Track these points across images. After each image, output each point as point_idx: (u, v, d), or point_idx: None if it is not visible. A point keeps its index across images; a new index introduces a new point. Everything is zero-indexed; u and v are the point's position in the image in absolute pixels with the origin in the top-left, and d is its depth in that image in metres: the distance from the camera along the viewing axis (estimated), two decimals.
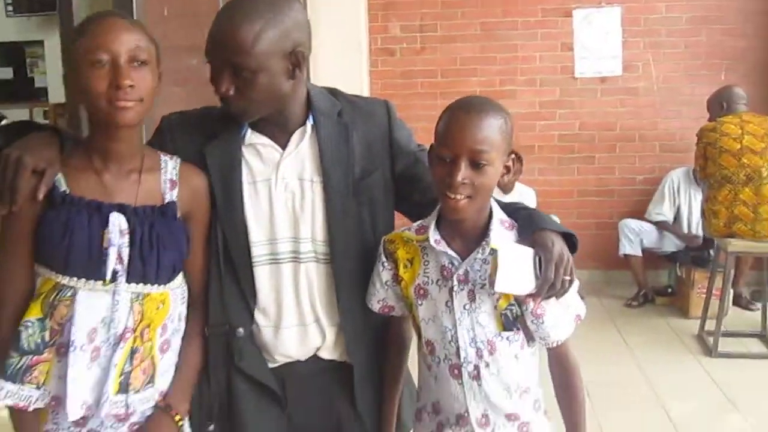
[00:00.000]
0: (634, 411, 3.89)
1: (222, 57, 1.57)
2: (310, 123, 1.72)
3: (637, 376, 4.32)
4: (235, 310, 1.69)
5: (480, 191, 1.53)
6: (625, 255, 5.66)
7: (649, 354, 4.65)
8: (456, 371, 1.62)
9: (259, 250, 1.69)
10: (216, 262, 1.68)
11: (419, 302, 1.64)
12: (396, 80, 6.16)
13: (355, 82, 5.86)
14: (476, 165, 1.51)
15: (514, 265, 1.52)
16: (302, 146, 1.71)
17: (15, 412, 1.51)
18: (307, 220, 1.69)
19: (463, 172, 1.50)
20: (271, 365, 1.74)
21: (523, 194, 5.82)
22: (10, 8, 12.45)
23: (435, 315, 1.63)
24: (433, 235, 1.60)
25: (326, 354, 1.75)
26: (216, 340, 1.69)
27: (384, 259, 1.67)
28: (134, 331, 1.52)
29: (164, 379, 1.61)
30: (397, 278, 1.67)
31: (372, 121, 1.76)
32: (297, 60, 1.64)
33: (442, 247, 1.58)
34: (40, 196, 1.45)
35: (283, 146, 1.70)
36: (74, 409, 1.48)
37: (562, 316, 1.61)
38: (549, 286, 1.53)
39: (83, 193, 1.51)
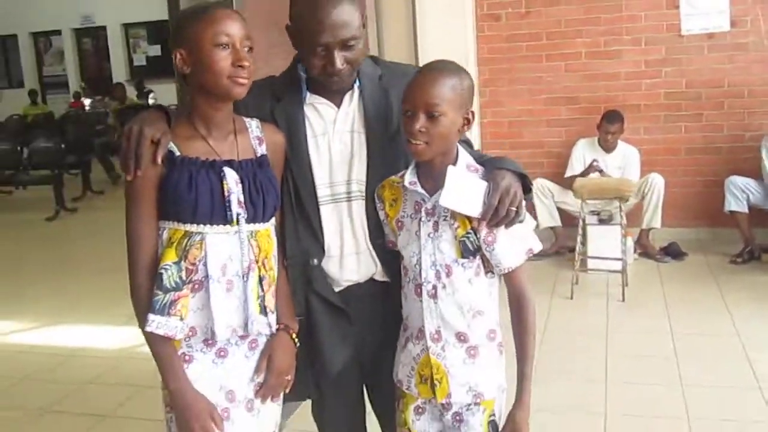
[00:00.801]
0: (719, 362, 4.00)
1: (336, 36, 1.85)
2: (357, 86, 2.02)
3: (728, 329, 4.42)
4: (308, 243, 2.02)
5: (435, 138, 1.81)
6: (731, 212, 5.66)
7: (744, 309, 4.71)
8: (418, 290, 1.90)
9: (322, 191, 2.01)
10: (290, 205, 2.00)
11: (399, 233, 1.94)
12: (501, 44, 6.33)
13: (460, 46, 6.08)
14: (431, 116, 1.79)
15: (462, 186, 1.80)
16: (352, 105, 2.02)
17: (154, 343, 1.78)
18: (355, 164, 2.01)
19: (420, 122, 1.79)
20: (337, 289, 2.07)
21: (627, 153, 5.92)
22: None
23: (407, 242, 1.92)
24: (408, 178, 1.89)
25: (379, 276, 2.08)
26: (294, 269, 2.02)
27: (378, 201, 1.99)
28: (257, 262, 1.84)
29: None
30: (386, 216, 1.98)
31: (406, 82, 1.99)
32: (365, 24, 1.95)
33: (415, 186, 1.88)
34: (159, 160, 1.76)
35: (338, 105, 2.02)
36: (222, 330, 1.79)
37: (512, 246, 1.85)
38: (493, 213, 1.79)
39: (196, 154, 1.80)
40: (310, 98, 2.02)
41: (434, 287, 1.87)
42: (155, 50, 16.55)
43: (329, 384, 2.14)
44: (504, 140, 6.48)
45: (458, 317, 1.88)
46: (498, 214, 1.80)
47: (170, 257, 1.77)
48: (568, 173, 5.97)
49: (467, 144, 2.06)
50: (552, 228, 6.01)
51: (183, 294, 1.77)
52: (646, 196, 5.75)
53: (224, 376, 1.85)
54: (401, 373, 1.99)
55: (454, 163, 1.87)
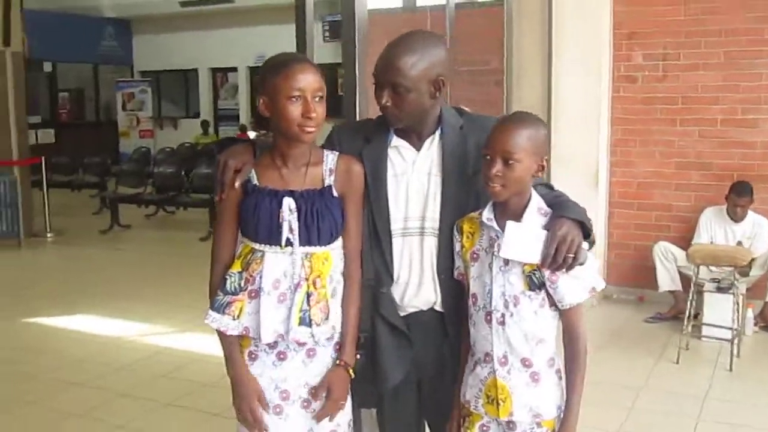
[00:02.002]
0: None
1: (385, 78, 2.17)
2: (438, 132, 2.28)
3: None
4: (380, 270, 2.28)
5: (510, 181, 2.03)
6: None
7: None
8: (488, 317, 2.11)
9: (396, 225, 2.27)
10: (367, 234, 2.27)
11: (472, 264, 2.17)
12: (636, 106, 6.41)
13: (593, 105, 6.26)
14: (507, 162, 2.03)
15: (520, 238, 2.02)
16: (432, 149, 2.28)
17: (221, 337, 2.15)
18: (430, 203, 2.26)
19: (497, 168, 2.03)
20: (401, 314, 2.32)
21: (756, 223, 5.83)
22: (327, 35, 14.35)
23: (480, 273, 2.14)
24: (486, 214, 2.12)
25: (438, 307, 2.31)
26: (366, 291, 2.28)
27: (456, 234, 2.22)
28: (307, 280, 2.12)
29: (335, 317, 2.19)
30: (462, 247, 2.21)
31: (485, 132, 2.20)
32: (438, 86, 2.21)
33: (491, 223, 2.10)
34: (237, 185, 2.13)
35: (418, 149, 2.28)
36: (266, 334, 2.08)
37: (574, 285, 2.04)
38: (552, 260, 2.00)
39: (268, 183, 2.11)
40: (395, 141, 2.29)
41: (503, 315, 2.09)
42: None
43: (388, 397, 2.40)
44: (632, 200, 6.53)
45: (523, 344, 2.09)
46: (556, 261, 2.02)
47: (236, 267, 2.14)
48: (695, 240, 5.94)
49: (548, 187, 2.27)
50: (672, 292, 5.99)
51: (239, 298, 2.12)
52: None
53: (282, 378, 2.16)
54: (469, 393, 2.20)
55: (526, 206, 2.10)
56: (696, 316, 5.55)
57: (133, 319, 6.19)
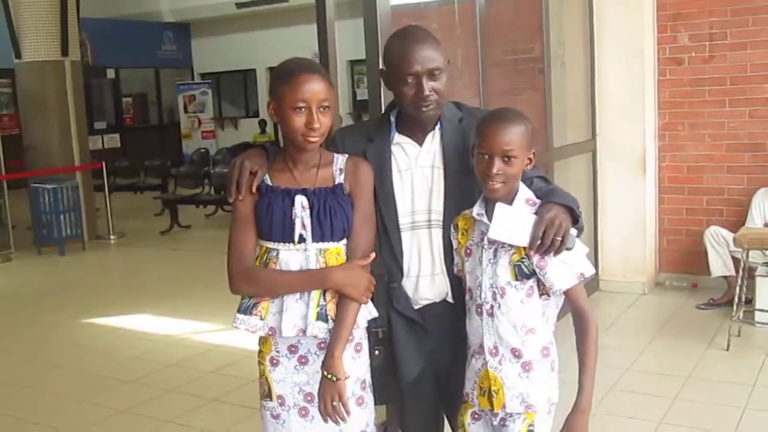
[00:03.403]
0: None
1: (424, 67, 2.18)
2: (438, 127, 2.31)
3: None
4: (390, 264, 2.32)
5: (510, 178, 2.08)
6: None
7: None
8: (479, 309, 2.15)
9: (404, 219, 2.31)
10: (377, 230, 2.30)
11: (466, 259, 2.20)
12: (684, 88, 6.26)
13: (637, 89, 6.14)
14: (506, 159, 2.06)
15: (509, 220, 2.05)
16: (434, 143, 2.31)
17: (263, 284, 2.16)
18: (435, 196, 2.30)
19: (498, 166, 2.05)
20: (416, 306, 2.35)
21: None
22: None
23: (473, 268, 2.18)
24: (476, 210, 2.16)
25: (450, 298, 2.34)
26: (378, 286, 2.29)
27: (453, 231, 2.26)
28: None
29: None
30: (458, 243, 2.24)
31: None
32: (448, 65, 2.27)
33: (481, 218, 2.14)
34: (254, 188, 2.17)
35: (420, 144, 2.32)
36: (287, 328, 2.11)
37: (562, 271, 2.07)
38: (540, 243, 2.02)
39: (281, 184, 2.16)
40: (398, 138, 2.34)
41: (491, 307, 2.13)
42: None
43: (407, 390, 2.43)
44: (682, 185, 6.39)
45: (512, 334, 2.12)
46: (544, 244, 2.04)
47: None
48: (748, 223, 5.78)
49: (544, 180, 2.30)
50: (725, 277, 5.84)
51: (263, 299, 2.17)
52: None
53: (305, 381, 2.20)
54: (467, 386, 2.25)
55: (514, 197, 2.12)
56: (749, 301, 5.40)
57: (186, 317, 6.36)
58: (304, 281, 2.14)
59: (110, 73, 18.76)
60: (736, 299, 5.11)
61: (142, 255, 9.53)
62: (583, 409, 2.12)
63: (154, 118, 20.43)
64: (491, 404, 2.15)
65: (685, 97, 6.28)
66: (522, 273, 2.10)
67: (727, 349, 4.94)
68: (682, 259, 6.46)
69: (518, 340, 2.12)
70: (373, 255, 2.19)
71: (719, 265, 5.81)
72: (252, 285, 2.18)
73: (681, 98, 6.29)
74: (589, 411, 2.12)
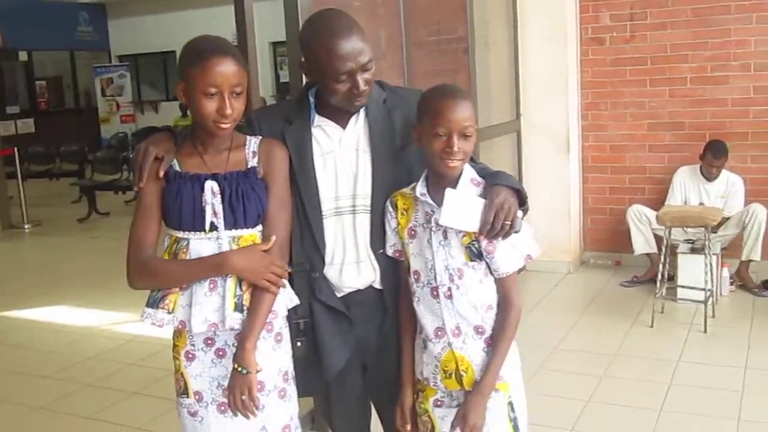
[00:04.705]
0: None
1: (357, 62, 2.05)
2: (362, 109, 2.21)
3: None
4: (311, 253, 2.21)
5: (467, 154, 2.04)
6: None
7: None
8: (435, 292, 2.08)
9: (326, 205, 2.20)
10: (296, 217, 2.19)
11: (410, 241, 2.13)
12: (606, 68, 6.32)
13: (560, 69, 6.17)
14: (464, 136, 2.00)
15: (459, 206, 1.98)
16: (357, 125, 2.21)
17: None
18: (360, 180, 2.20)
19: (458, 144, 1.99)
20: (339, 295, 2.26)
21: (731, 182, 5.77)
22: None
23: (420, 250, 2.10)
24: (420, 189, 2.08)
25: (377, 284, 2.25)
26: (299, 276, 2.21)
27: (390, 209, 2.17)
28: None
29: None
30: (398, 224, 2.15)
31: (409, 105, 2.17)
32: None
33: (426, 198, 2.06)
34: (161, 173, 2.04)
35: (344, 126, 2.21)
36: (197, 324, 2.00)
37: (510, 253, 2.04)
38: (490, 228, 1.97)
39: (189, 169, 2.04)
40: (318, 120, 2.22)
41: (449, 289, 2.07)
42: None
43: (333, 382, 2.33)
44: (605, 164, 6.46)
45: (473, 313, 2.08)
46: (494, 229, 1.98)
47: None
48: (669, 201, 5.88)
49: (471, 159, 2.22)
50: (648, 255, 5.93)
51: (171, 291, 2.04)
52: (746, 227, 5.56)
53: (223, 375, 2.07)
54: (426, 371, 2.17)
55: (459, 177, 2.06)
56: (672, 278, 5.50)
57: (105, 308, 6.13)
58: (201, 268, 2.02)
59: (23, 56, 18.02)
60: (659, 276, 5.19)
61: (59, 244, 9.18)
62: (482, 392, 2.08)
63: (70, 102, 19.72)
64: (461, 383, 2.10)
65: (607, 76, 6.34)
66: (474, 254, 2.05)
67: (652, 326, 5.02)
68: (606, 238, 6.55)
69: (479, 318, 2.08)
70: (274, 238, 2.07)
71: (642, 242, 5.90)
72: (148, 278, 2.06)
73: (603, 78, 6.35)
74: (488, 394, 2.08)
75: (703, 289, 5.01)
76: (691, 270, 5.34)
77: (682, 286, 5.38)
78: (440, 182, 2.05)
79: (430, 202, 2.06)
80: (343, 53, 2.05)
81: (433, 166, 2.06)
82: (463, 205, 2.00)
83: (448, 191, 2.00)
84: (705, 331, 4.88)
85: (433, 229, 2.07)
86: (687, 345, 4.70)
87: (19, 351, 5.31)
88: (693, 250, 5.47)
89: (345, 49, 2.05)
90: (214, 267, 2.01)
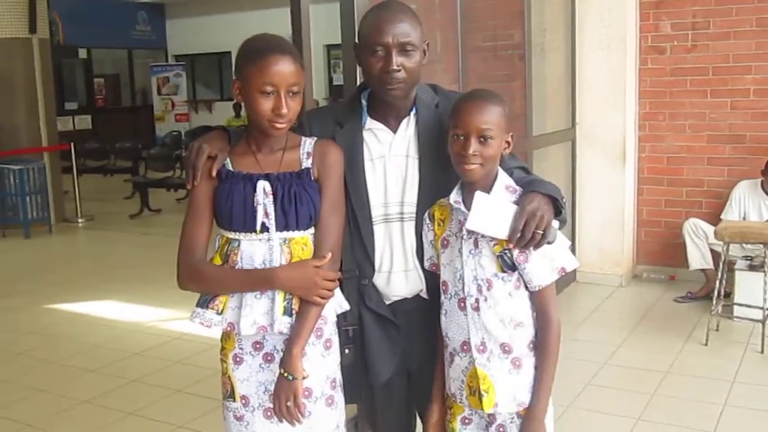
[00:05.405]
0: None
1: (394, 39, 2.01)
2: (413, 113, 2.15)
3: None
4: (361, 259, 2.17)
5: (487, 159, 1.94)
6: None
7: None
8: (462, 304, 2.00)
9: (376, 211, 2.15)
10: (347, 223, 2.14)
11: (442, 251, 2.05)
12: (665, 78, 6.16)
13: (618, 78, 6.04)
14: (483, 140, 1.92)
15: (488, 210, 1.90)
16: (408, 130, 2.15)
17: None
18: (409, 187, 2.14)
19: (474, 146, 1.92)
20: (387, 302, 2.21)
21: None
22: None
23: (451, 260, 2.03)
24: (453, 197, 2.01)
25: (424, 294, 2.20)
26: (349, 283, 2.17)
27: (428, 221, 2.10)
28: None
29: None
30: (435, 235, 2.08)
31: None
32: (425, 51, 2.11)
33: (459, 205, 2.00)
34: (214, 172, 2.00)
35: (395, 130, 2.15)
36: (246, 326, 1.96)
37: (543, 265, 1.94)
38: (520, 236, 1.88)
39: (243, 169, 2.00)
40: (370, 123, 2.16)
41: (477, 300, 1.99)
42: None
43: (379, 389, 2.29)
44: (662, 176, 6.30)
45: (500, 329, 1.98)
46: (524, 237, 1.90)
47: (216, 261, 2.03)
48: (726, 215, 5.71)
49: (525, 170, 2.15)
50: (703, 270, 5.77)
51: None
52: None
53: (270, 380, 2.03)
54: (453, 386, 2.10)
55: (493, 184, 1.99)
56: (728, 295, 5.33)
57: (153, 304, 6.17)
58: (249, 281, 1.98)
59: (82, 53, 18.35)
60: (716, 293, 5.03)
61: (111, 239, 9.30)
62: (537, 417, 1.99)
63: (126, 100, 20.06)
64: (481, 404, 2.01)
65: (666, 86, 6.18)
66: (506, 265, 1.96)
67: (706, 344, 4.86)
68: (660, 251, 6.38)
69: (507, 335, 1.99)
70: (330, 255, 2.02)
71: (698, 257, 5.74)
72: (198, 283, 2.03)
73: (662, 88, 6.20)
74: (543, 418, 2.00)
75: (761, 308, 4.83)
76: (749, 287, 5.17)
77: (739, 304, 5.20)
78: (472, 189, 1.98)
79: (463, 209, 1.99)
80: (383, 25, 2.02)
81: (457, 171, 2.00)
82: (493, 210, 1.93)
83: (478, 194, 1.94)
84: (762, 352, 4.71)
85: (465, 237, 2.00)
86: (743, 365, 4.54)
87: (66, 343, 5.37)
88: (751, 267, 5.29)
89: (386, 22, 2.03)
90: (262, 281, 1.97)
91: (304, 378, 1.99)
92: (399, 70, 2.02)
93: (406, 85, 2.07)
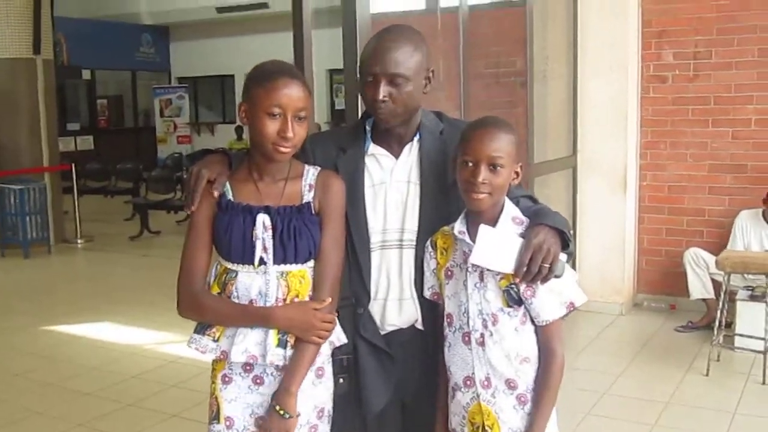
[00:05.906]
0: None
1: (383, 70, 2.00)
2: (416, 138, 2.13)
3: None
4: (357, 289, 2.13)
5: (496, 188, 1.90)
6: None
7: None
8: (466, 338, 1.96)
9: (374, 237, 2.12)
10: (345, 250, 2.11)
11: (446, 282, 2.01)
12: (667, 107, 6.17)
13: (620, 106, 6.05)
14: (493, 168, 1.89)
15: (493, 244, 1.86)
16: (411, 156, 2.13)
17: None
18: (409, 214, 2.12)
19: (483, 174, 1.88)
20: (382, 333, 2.17)
21: None
22: None
23: (455, 292, 1.98)
24: (458, 227, 1.97)
25: (419, 325, 2.16)
26: (344, 311, 2.12)
27: (430, 249, 2.06)
28: (284, 300, 1.98)
29: None
30: (437, 264, 2.04)
31: None
32: (429, 79, 2.09)
33: (463, 236, 1.95)
34: (216, 194, 1.99)
35: (397, 156, 2.13)
36: (237, 354, 1.94)
37: (550, 300, 1.90)
38: (526, 270, 1.84)
39: (243, 198, 1.98)
40: (373, 149, 2.15)
41: (482, 335, 1.94)
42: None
43: (372, 420, 2.24)
44: (662, 205, 6.29)
45: (506, 364, 1.94)
46: (530, 271, 1.86)
47: (214, 289, 2.02)
48: (731, 246, 5.69)
49: (532, 199, 2.13)
50: (704, 300, 5.74)
51: None
52: None
53: (258, 403, 2.01)
54: (454, 422, 2.06)
55: (499, 215, 1.95)
56: (729, 325, 5.30)
57: (151, 327, 6.13)
58: (247, 317, 1.97)
59: (86, 74, 18.44)
60: (717, 323, 5.00)
61: (110, 260, 9.27)
62: None
63: (129, 121, 20.13)
64: None
65: (668, 115, 6.19)
66: (513, 299, 1.92)
67: (707, 375, 4.82)
68: (661, 280, 6.36)
69: (512, 371, 1.94)
70: (329, 300, 2.00)
71: (699, 287, 5.71)
72: (196, 312, 2.02)
73: (664, 116, 6.21)
74: None
75: (763, 339, 4.80)
76: (751, 318, 5.13)
77: (740, 335, 5.17)
78: (478, 219, 1.95)
79: (467, 240, 1.95)
80: (375, 54, 2.02)
81: (464, 200, 1.97)
82: (498, 243, 1.89)
83: (482, 227, 1.90)
84: (764, 383, 4.67)
85: (470, 270, 1.96)
86: (744, 396, 4.50)
87: (64, 365, 5.33)
88: (752, 298, 5.26)
89: (378, 51, 2.02)
90: (260, 319, 1.96)
91: (297, 416, 1.96)
92: (385, 101, 2.01)
93: (397, 114, 2.05)
